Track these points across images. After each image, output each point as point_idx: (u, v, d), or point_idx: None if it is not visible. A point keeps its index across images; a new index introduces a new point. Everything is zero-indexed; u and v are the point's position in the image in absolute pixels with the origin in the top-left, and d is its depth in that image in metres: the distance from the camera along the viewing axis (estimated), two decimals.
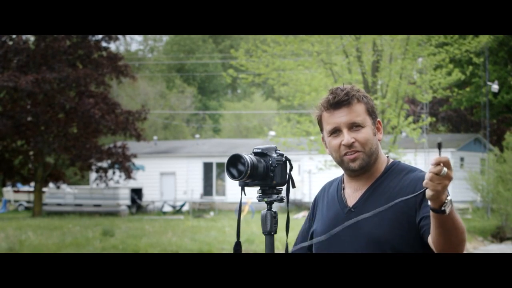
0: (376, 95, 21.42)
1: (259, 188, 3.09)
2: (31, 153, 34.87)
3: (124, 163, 34.17)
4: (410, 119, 22.67)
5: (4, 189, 41.43)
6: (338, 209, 3.15)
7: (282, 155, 3.08)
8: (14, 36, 33.27)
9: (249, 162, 2.98)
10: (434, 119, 26.77)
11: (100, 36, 34.59)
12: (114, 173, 35.03)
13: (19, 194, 41.55)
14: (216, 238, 20.77)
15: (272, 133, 30.14)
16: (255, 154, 3.07)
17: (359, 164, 3.07)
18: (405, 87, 22.14)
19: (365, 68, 21.99)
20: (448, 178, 2.58)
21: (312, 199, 3.40)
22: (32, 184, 36.03)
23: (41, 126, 33.14)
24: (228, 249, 19.05)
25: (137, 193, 38.87)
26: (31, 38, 34.58)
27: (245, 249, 17.54)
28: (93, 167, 34.70)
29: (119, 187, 36.71)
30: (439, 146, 2.62)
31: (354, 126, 3.07)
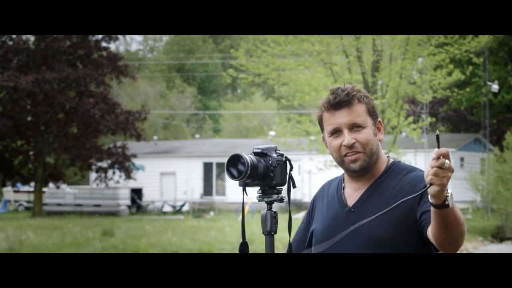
0: (376, 95, 21.41)
1: (259, 188, 3.09)
2: (31, 153, 34.87)
3: (124, 163, 34.17)
4: (410, 119, 22.66)
5: (4, 189, 41.43)
6: (338, 209, 3.15)
7: (282, 155, 3.08)
8: (14, 36, 33.26)
9: (249, 162, 2.98)
10: (434, 119, 26.76)
11: (100, 36, 34.59)
12: (114, 173, 35.03)
13: (19, 194, 41.54)
14: (216, 238, 20.76)
15: (272, 133, 30.13)
16: (255, 154, 3.07)
17: (359, 165, 3.07)
18: (405, 87, 22.14)
19: (365, 68, 21.98)
20: (451, 170, 2.59)
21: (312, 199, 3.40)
22: (32, 184, 36.03)
23: (41, 126, 33.14)
24: (228, 249, 19.05)
25: (137, 193, 38.87)
26: (31, 38, 34.57)
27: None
28: (93, 167, 34.69)
29: (119, 187, 36.71)
30: (438, 138, 2.62)
31: (355, 127, 3.07)
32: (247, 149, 29.10)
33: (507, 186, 28.52)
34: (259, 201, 3.11)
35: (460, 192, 32.58)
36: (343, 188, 3.19)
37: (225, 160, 3.01)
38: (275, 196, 3.08)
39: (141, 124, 35.40)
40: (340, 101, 3.07)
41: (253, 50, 22.98)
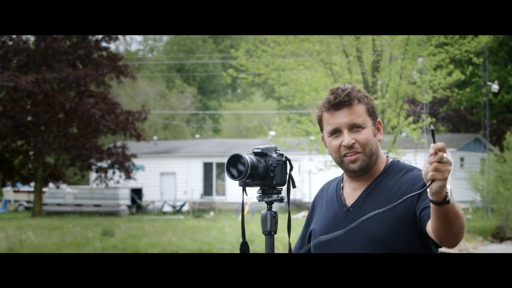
0: (376, 95, 21.42)
1: (259, 188, 3.09)
2: (31, 153, 34.87)
3: (124, 163, 34.16)
4: (410, 119, 22.66)
5: (4, 189, 41.43)
6: (336, 209, 3.15)
7: (282, 155, 3.08)
8: (14, 36, 33.26)
9: (249, 162, 2.98)
10: (434, 119, 26.76)
11: (100, 36, 34.58)
12: (114, 173, 35.03)
13: (19, 194, 41.54)
14: (216, 238, 20.76)
15: (272, 133, 30.14)
16: (255, 154, 3.07)
17: (359, 165, 3.07)
18: (405, 87, 22.14)
19: (365, 68, 21.98)
20: (449, 163, 2.59)
21: (312, 199, 3.40)
22: (32, 184, 36.02)
23: (41, 126, 33.14)
24: (228, 249, 19.05)
25: (137, 193, 38.86)
26: (31, 38, 34.57)
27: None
28: (93, 167, 34.69)
29: (119, 187, 36.70)
30: (433, 133, 2.61)
31: (354, 127, 3.06)
32: (247, 149, 29.09)
33: (507, 186, 28.53)
34: (259, 201, 3.11)
35: (460, 192, 32.58)
36: (342, 188, 3.19)
37: (225, 160, 3.01)
38: (275, 196, 3.08)
39: (141, 124, 35.39)
40: (340, 102, 3.07)
41: (253, 50, 22.98)
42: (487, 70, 34.85)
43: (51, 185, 36.76)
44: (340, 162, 3.10)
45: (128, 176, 34.60)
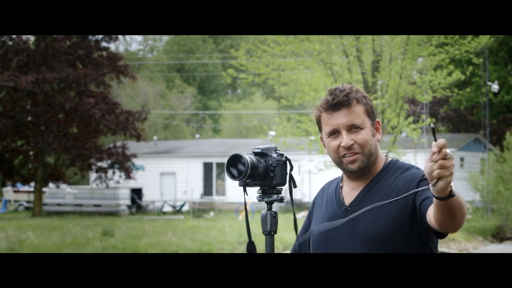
0: (376, 95, 21.41)
1: (259, 188, 3.09)
2: (31, 153, 34.87)
3: (124, 163, 34.17)
4: (410, 119, 22.65)
5: (4, 189, 41.44)
6: (335, 208, 3.16)
7: (282, 155, 3.09)
8: (14, 36, 33.26)
9: (249, 162, 2.99)
10: (434, 119, 26.76)
11: (100, 36, 34.58)
12: (114, 173, 35.04)
13: (19, 194, 41.55)
14: (216, 238, 20.77)
15: (272, 133, 30.12)
16: (255, 154, 3.07)
17: (358, 166, 3.07)
18: (405, 87, 22.13)
19: (365, 68, 21.98)
20: (452, 157, 2.60)
21: (312, 199, 3.41)
22: (32, 184, 36.03)
23: (41, 126, 33.14)
24: (228, 249, 19.06)
25: (137, 193, 38.86)
26: (31, 38, 34.57)
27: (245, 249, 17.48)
28: (93, 167, 34.70)
29: (119, 187, 36.70)
30: (433, 131, 2.61)
31: (353, 128, 3.06)
32: (247, 149, 29.10)
33: (507, 186, 28.54)
34: (259, 201, 3.12)
35: (460, 192, 32.51)
36: (341, 188, 3.20)
37: (225, 160, 3.01)
38: (275, 196, 3.09)
39: (141, 124, 35.40)
40: (338, 102, 3.06)
41: (253, 50, 22.98)
42: (487, 70, 34.85)
43: (51, 185, 36.77)
44: (339, 163, 3.11)
45: (128, 176, 34.61)
